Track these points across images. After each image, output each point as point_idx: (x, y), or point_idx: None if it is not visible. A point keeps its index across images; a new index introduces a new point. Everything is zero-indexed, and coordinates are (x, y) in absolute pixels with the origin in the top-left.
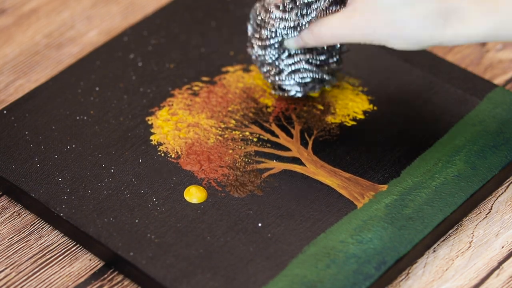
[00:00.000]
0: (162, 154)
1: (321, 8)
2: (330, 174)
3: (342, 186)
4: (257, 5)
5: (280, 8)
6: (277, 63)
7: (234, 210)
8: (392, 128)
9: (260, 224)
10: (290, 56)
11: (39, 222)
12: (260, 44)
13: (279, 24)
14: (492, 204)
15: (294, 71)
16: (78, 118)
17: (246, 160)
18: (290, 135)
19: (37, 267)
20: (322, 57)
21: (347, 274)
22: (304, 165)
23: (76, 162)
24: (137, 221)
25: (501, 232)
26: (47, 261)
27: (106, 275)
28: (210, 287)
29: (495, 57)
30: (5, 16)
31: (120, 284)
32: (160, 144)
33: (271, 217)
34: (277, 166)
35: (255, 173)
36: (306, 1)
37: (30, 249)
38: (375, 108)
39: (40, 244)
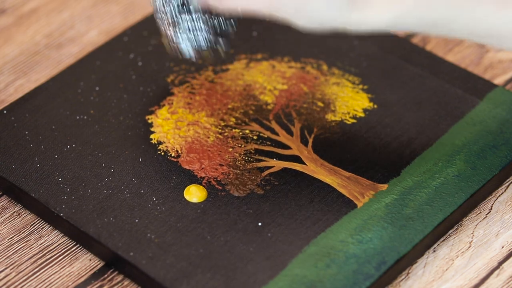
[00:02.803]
0: (162, 153)
1: None
2: (330, 172)
3: (342, 185)
4: None
5: None
6: (175, 14)
7: (234, 209)
8: (392, 127)
9: (260, 224)
10: (189, 12)
11: (39, 222)
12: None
13: None
14: (492, 204)
15: (190, 28)
16: (78, 118)
17: (246, 158)
18: (290, 132)
19: (37, 267)
20: (221, 21)
21: (347, 274)
22: (304, 164)
23: (76, 162)
24: (137, 221)
25: (501, 232)
26: (47, 261)
27: (106, 275)
28: (210, 287)
29: (495, 57)
30: (5, 16)
31: (120, 284)
32: (160, 143)
33: (271, 216)
34: (277, 165)
35: (255, 172)
36: None
37: (30, 249)
38: (375, 106)
39: (40, 244)
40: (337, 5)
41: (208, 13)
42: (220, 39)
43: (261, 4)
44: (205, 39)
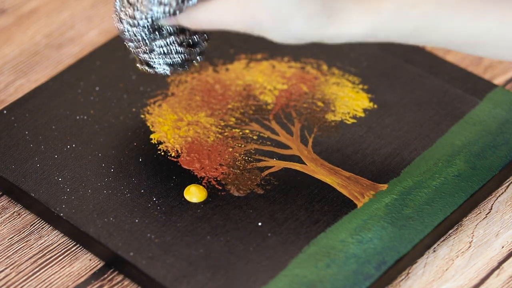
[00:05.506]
0: (162, 153)
1: None
2: (330, 172)
3: (342, 185)
4: None
5: None
6: (147, 42)
7: (234, 209)
8: (392, 126)
9: (260, 224)
10: (162, 36)
11: (39, 222)
12: (130, 22)
13: (157, 9)
14: (492, 204)
15: (165, 53)
16: (78, 118)
17: (246, 158)
18: (290, 132)
19: (37, 267)
20: (195, 38)
21: (347, 274)
22: (304, 163)
23: (76, 162)
24: (137, 221)
25: (501, 232)
26: (47, 261)
27: (106, 275)
28: (210, 287)
29: None
30: (5, 16)
31: (120, 284)
32: (160, 143)
33: (271, 216)
34: (277, 164)
35: (255, 172)
36: None
37: (30, 249)
38: (375, 106)
39: (40, 244)
40: (315, 22)
41: (182, 33)
42: (197, 54)
43: (237, 25)
44: (182, 59)
